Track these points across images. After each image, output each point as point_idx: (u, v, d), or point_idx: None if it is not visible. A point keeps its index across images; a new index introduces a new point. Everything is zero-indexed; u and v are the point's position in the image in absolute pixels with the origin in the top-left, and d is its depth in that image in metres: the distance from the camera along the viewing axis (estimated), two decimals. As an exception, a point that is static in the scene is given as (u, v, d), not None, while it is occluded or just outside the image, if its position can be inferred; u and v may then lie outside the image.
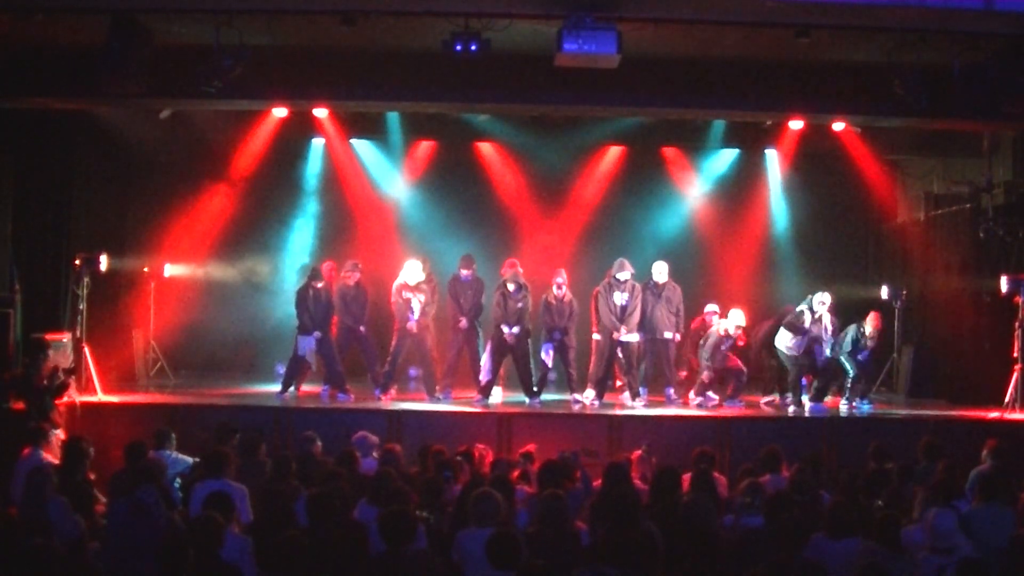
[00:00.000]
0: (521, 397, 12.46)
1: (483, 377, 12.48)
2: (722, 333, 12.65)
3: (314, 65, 11.44)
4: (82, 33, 10.13)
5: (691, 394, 12.78)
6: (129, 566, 6.37)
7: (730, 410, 12.28)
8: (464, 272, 12.59)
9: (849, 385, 12.52)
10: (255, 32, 10.08)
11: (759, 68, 11.48)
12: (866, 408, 12.47)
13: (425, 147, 15.39)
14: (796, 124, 13.53)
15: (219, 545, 5.74)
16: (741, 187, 15.62)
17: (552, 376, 13.02)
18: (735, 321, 12.75)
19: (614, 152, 15.51)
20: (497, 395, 12.71)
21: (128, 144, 13.89)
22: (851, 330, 12.54)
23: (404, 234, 15.11)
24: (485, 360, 12.53)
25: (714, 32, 10.34)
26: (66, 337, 11.82)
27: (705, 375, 12.66)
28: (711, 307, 13.16)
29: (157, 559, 5.58)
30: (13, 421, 10.18)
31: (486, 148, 15.42)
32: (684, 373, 13.39)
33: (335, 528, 6.28)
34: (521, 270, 12.62)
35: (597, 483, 8.20)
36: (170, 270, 14.77)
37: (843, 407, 12.46)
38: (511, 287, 12.39)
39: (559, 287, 12.45)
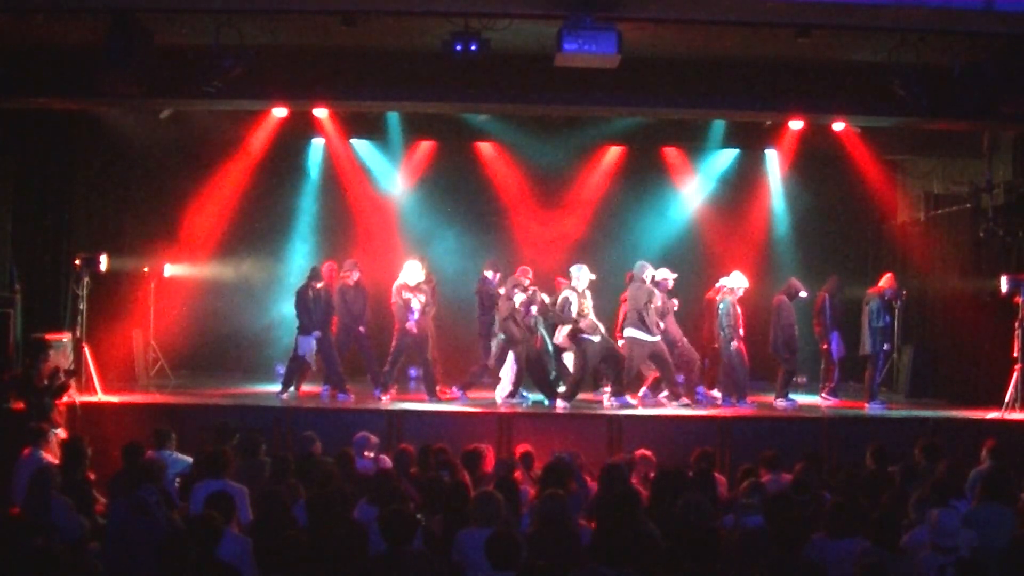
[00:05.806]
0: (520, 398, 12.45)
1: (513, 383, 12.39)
2: (730, 290, 12.65)
3: (314, 65, 11.43)
4: (82, 33, 10.11)
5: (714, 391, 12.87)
6: (129, 566, 6.37)
7: (730, 410, 12.28)
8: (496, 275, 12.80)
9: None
10: (255, 32, 10.08)
11: (759, 68, 11.47)
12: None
13: (425, 147, 15.39)
14: (796, 124, 13.52)
15: (218, 544, 5.74)
16: (741, 187, 15.62)
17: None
18: (739, 283, 12.72)
19: (614, 152, 15.52)
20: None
21: (128, 144, 13.86)
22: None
23: (404, 234, 15.10)
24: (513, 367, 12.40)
25: (714, 32, 10.34)
26: (66, 337, 11.81)
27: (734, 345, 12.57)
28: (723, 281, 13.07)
29: (157, 559, 5.58)
30: (13, 421, 10.19)
31: (486, 148, 15.41)
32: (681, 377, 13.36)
33: (335, 528, 6.28)
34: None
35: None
36: (170, 270, 14.78)
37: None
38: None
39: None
